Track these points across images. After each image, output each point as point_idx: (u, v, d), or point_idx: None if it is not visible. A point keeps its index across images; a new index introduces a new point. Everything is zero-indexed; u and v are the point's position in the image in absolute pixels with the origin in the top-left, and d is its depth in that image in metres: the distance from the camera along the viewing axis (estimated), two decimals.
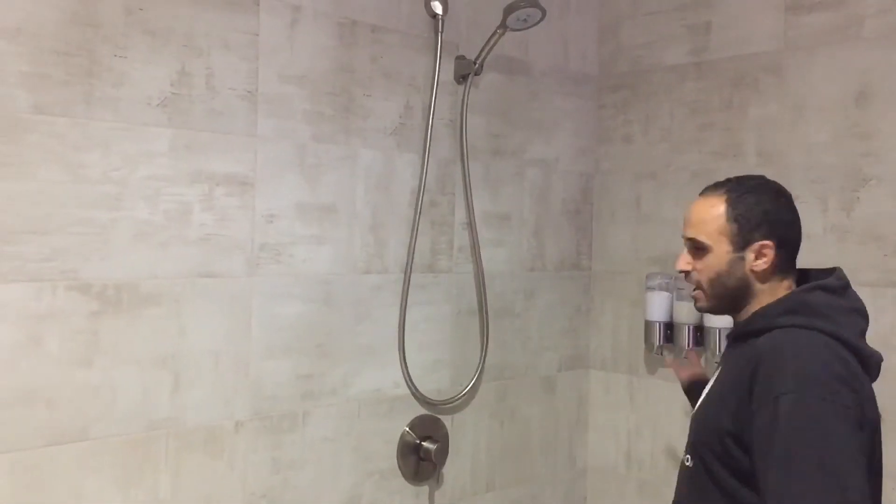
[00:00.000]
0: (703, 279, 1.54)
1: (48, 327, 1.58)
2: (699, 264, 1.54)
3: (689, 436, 1.56)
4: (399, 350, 2.13)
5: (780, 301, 1.49)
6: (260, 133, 1.87)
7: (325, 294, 1.99)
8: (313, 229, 1.97)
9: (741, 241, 1.51)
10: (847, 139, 2.11)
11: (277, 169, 1.90)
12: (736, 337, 1.56)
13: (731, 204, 1.52)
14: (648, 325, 2.42)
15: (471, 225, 2.28)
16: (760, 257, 1.51)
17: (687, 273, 1.57)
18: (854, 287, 1.52)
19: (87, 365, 1.62)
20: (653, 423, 2.48)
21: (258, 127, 1.86)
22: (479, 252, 2.30)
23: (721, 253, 1.52)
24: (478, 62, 2.24)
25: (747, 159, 2.29)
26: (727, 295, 1.54)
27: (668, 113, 2.48)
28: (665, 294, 2.40)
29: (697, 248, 1.54)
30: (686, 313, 2.34)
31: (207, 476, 1.79)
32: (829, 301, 1.47)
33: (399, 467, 2.13)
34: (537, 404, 2.49)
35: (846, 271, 1.57)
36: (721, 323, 2.26)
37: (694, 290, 1.57)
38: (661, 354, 2.43)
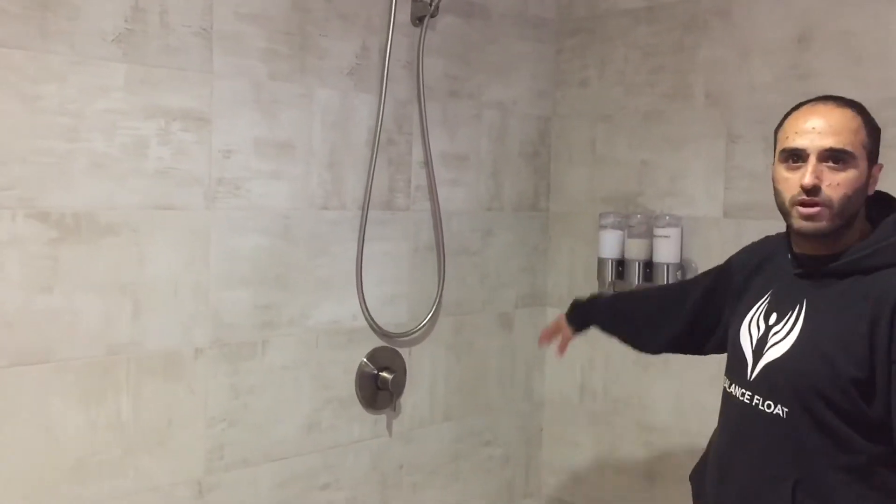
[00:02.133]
0: (837, 196, 1.38)
1: (8, 253, 1.64)
2: (834, 179, 1.38)
3: (772, 382, 1.44)
4: (357, 284, 2.21)
5: None
6: (216, 70, 1.92)
7: (283, 228, 2.06)
8: (271, 165, 2.03)
9: (873, 159, 1.43)
10: (789, 80, 2.18)
11: (234, 105, 1.95)
12: (836, 271, 1.42)
13: (864, 117, 1.42)
14: (601, 262, 2.50)
15: (428, 164, 2.35)
16: (874, 181, 1.45)
17: (816, 189, 1.38)
18: None
19: (47, 290, 1.69)
20: (605, 357, 2.58)
21: (214, 64, 1.91)
22: (437, 191, 2.37)
23: (862, 168, 1.40)
24: (433, 4, 2.28)
25: (696, 100, 2.36)
26: (850, 216, 1.41)
27: (622, 56, 2.54)
28: (617, 232, 2.48)
29: (836, 161, 1.38)
30: (636, 250, 2.43)
31: (168, 399, 1.88)
32: None
33: (357, 395, 2.22)
34: (495, 339, 2.59)
35: None
36: (669, 259, 2.35)
37: (810, 207, 1.39)
38: (614, 290, 2.52)
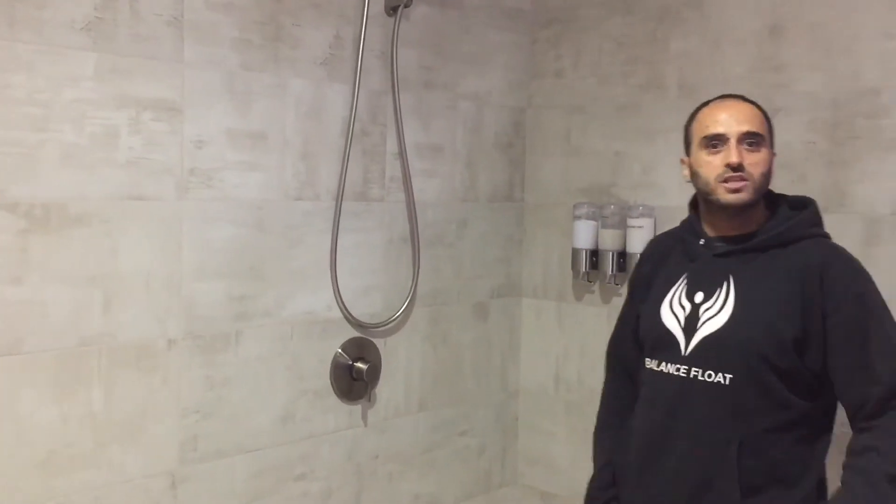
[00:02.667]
0: (756, 172, 1.59)
1: None
2: (752, 158, 1.59)
3: (713, 353, 1.57)
4: (331, 275, 2.20)
5: (807, 214, 1.65)
6: (187, 59, 1.90)
7: (256, 219, 2.05)
8: (244, 156, 2.02)
9: (772, 146, 1.65)
10: (760, 71, 2.20)
11: (206, 95, 1.94)
12: (759, 246, 1.61)
13: (763, 111, 1.66)
14: (575, 252, 2.52)
15: (402, 155, 2.35)
16: (772, 164, 1.66)
17: (740, 165, 1.58)
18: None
19: (16, 282, 1.68)
20: (579, 347, 2.60)
21: (185, 53, 1.90)
22: (411, 182, 2.37)
23: (769, 151, 1.63)
24: None
25: (669, 91, 2.38)
26: (763, 192, 1.62)
27: (596, 48, 2.55)
28: (591, 223, 2.50)
29: (751, 143, 1.59)
30: (610, 241, 2.45)
31: (141, 391, 1.87)
32: None
33: (332, 386, 2.22)
34: (470, 329, 2.59)
35: (813, 198, 1.72)
36: (642, 248, 2.37)
37: (737, 181, 1.58)
38: (587, 280, 2.54)
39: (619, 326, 1.86)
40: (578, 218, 2.51)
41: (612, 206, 2.47)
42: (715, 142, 1.61)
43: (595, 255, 2.49)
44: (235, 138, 2.00)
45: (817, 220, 1.66)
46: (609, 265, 2.44)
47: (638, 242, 2.37)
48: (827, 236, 1.66)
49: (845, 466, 1.51)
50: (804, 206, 1.66)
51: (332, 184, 2.20)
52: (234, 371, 2.02)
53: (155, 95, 1.85)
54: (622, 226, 2.43)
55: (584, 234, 2.50)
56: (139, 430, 1.87)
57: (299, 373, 2.15)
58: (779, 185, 2.14)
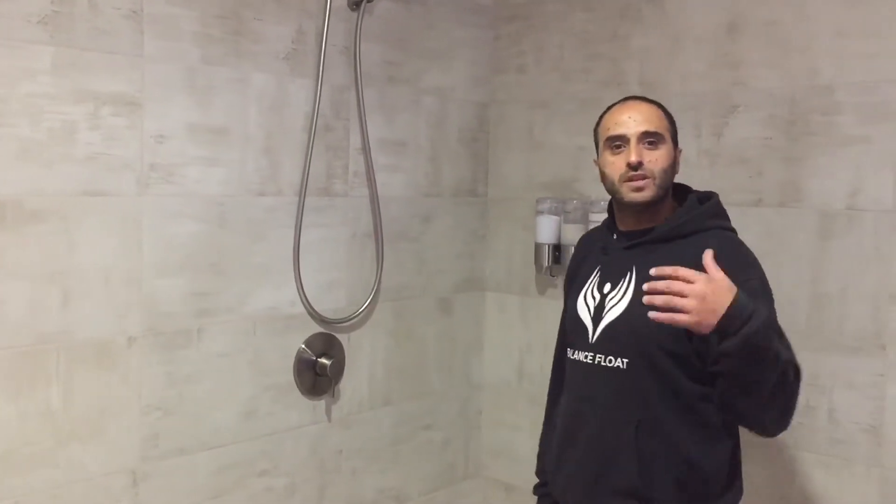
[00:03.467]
0: (657, 168, 1.67)
1: None
2: (653, 155, 1.67)
3: (612, 339, 1.67)
4: (294, 270, 2.20)
5: (707, 206, 1.72)
6: (147, 53, 1.88)
7: (218, 214, 2.04)
8: (205, 151, 2.01)
9: (675, 143, 1.74)
10: (719, 68, 2.23)
11: (166, 90, 1.92)
12: (659, 237, 1.69)
13: (664, 110, 1.75)
14: (538, 247, 2.54)
15: (366, 150, 2.34)
16: (678, 161, 1.76)
17: (640, 164, 1.66)
18: (724, 206, 1.78)
19: None
20: (542, 340, 2.62)
21: (145, 47, 1.88)
22: (375, 177, 2.37)
23: (670, 147, 1.71)
24: None
25: (630, 88, 2.40)
26: (666, 188, 1.70)
27: (558, 44, 2.57)
28: (554, 217, 2.52)
29: (651, 142, 1.68)
30: (572, 235, 2.47)
31: (100, 389, 1.85)
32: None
33: (295, 382, 2.22)
34: (434, 324, 2.60)
35: (717, 192, 1.79)
36: None
37: (639, 180, 1.66)
38: (550, 275, 2.57)
39: (559, 332, 1.97)
40: (541, 213, 2.53)
41: (575, 201, 2.49)
42: (617, 143, 1.70)
43: (558, 249, 2.51)
44: (196, 133, 1.98)
45: (718, 213, 1.74)
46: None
47: None
48: (727, 229, 1.73)
49: None
50: (708, 200, 1.74)
51: (294, 179, 2.19)
52: (195, 368, 2.01)
53: (114, 90, 1.83)
54: (584, 220, 2.45)
55: (546, 229, 2.52)
56: (99, 428, 1.85)
57: (262, 369, 2.15)
58: (737, 181, 2.19)
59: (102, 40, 1.81)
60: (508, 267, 2.71)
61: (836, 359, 2.03)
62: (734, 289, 1.46)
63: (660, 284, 1.47)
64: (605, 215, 2.37)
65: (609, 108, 1.78)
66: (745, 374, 1.49)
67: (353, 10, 2.30)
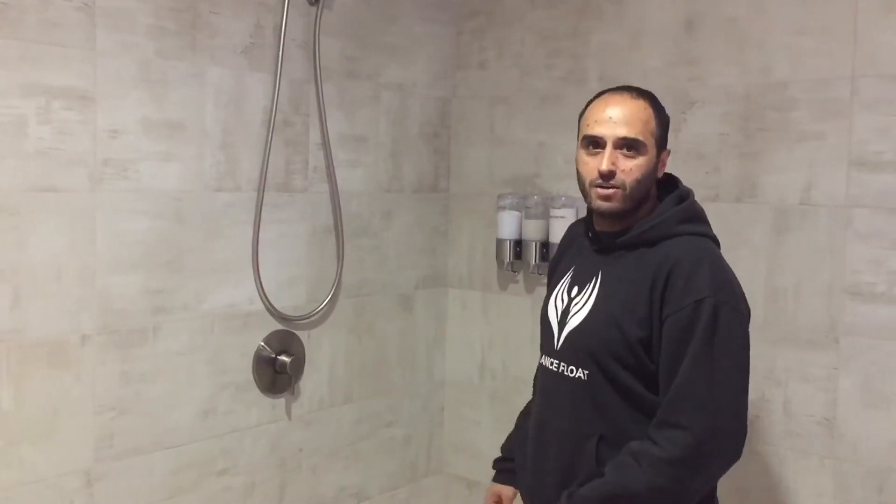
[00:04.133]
0: (630, 180, 1.55)
1: None
2: (628, 165, 1.55)
3: (573, 349, 1.60)
4: (253, 267, 2.18)
5: (676, 211, 1.59)
6: (99, 47, 1.85)
7: (175, 210, 2.01)
8: (160, 146, 1.98)
9: (661, 146, 1.61)
10: (677, 65, 2.25)
11: (120, 84, 1.89)
12: (625, 244, 1.60)
13: (655, 108, 1.60)
14: (500, 243, 2.54)
15: (325, 145, 2.33)
16: (663, 165, 1.64)
17: (611, 174, 1.55)
18: (699, 208, 1.69)
19: None
20: (504, 336, 2.62)
21: (97, 40, 1.84)
22: (335, 172, 2.35)
23: (651, 156, 1.58)
24: None
25: (590, 84, 2.41)
26: (641, 198, 1.59)
27: (519, 40, 2.57)
28: (515, 213, 2.52)
29: (629, 149, 1.55)
30: (534, 231, 2.48)
31: (53, 388, 1.81)
32: (702, 209, 1.66)
33: (254, 380, 2.20)
34: (396, 320, 2.59)
35: (692, 191, 1.72)
36: None
37: (606, 189, 1.56)
38: (512, 270, 2.57)
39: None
40: (503, 208, 2.53)
41: (536, 197, 2.49)
42: (594, 143, 1.59)
43: (519, 245, 2.52)
44: (151, 128, 1.95)
45: (690, 217, 1.61)
46: (533, 255, 2.47)
47: (560, 233, 2.37)
48: (699, 233, 1.60)
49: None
50: (682, 202, 1.64)
51: (253, 174, 2.17)
52: (152, 366, 1.98)
53: (65, 84, 1.79)
54: (545, 216, 2.46)
55: (508, 225, 2.52)
56: (52, 429, 1.81)
57: (220, 367, 2.12)
58: (694, 177, 2.21)
59: (53, 33, 1.77)
60: (470, 263, 2.71)
61: (791, 352, 2.06)
62: None
63: None
64: (567, 210, 2.41)
65: (598, 95, 1.66)
66: None
67: (312, 4, 2.27)
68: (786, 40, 2.07)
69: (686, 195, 1.65)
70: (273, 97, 2.17)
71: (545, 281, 2.37)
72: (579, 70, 2.44)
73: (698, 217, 1.64)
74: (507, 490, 1.88)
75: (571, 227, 1.89)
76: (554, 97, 2.50)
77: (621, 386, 1.55)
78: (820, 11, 2.02)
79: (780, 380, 2.09)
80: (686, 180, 2.18)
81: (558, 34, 2.48)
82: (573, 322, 1.62)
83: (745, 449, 1.57)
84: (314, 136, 2.32)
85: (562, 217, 2.40)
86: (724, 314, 1.49)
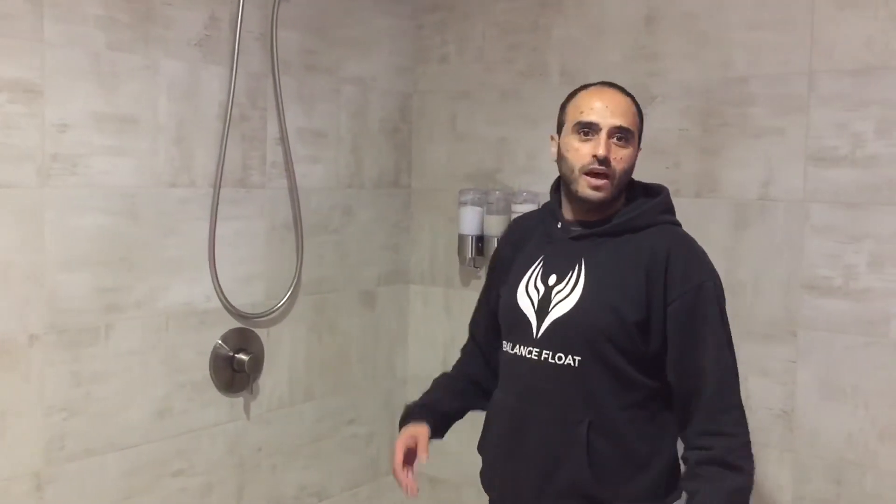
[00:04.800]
0: (620, 168, 1.59)
1: None
2: (620, 154, 1.58)
3: (563, 336, 1.59)
4: (210, 264, 2.13)
5: (658, 201, 1.66)
6: (47, 38, 1.80)
7: (128, 207, 1.96)
8: (112, 140, 1.93)
9: (640, 141, 1.66)
10: (637, 60, 2.25)
11: (69, 76, 1.84)
12: (611, 231, 1.63)
13: (637, 106, 1.65)
14: (462, 238, 2.52)
15: (284, 140, 2.29)
16: (636, 159, 1.67)
17: (607, 159, 1.56)
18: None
19: None
20: (466, 332, 2.60)
21: (45, 32, 1.79)
22: (293, 168, 2.31)
23: (636, 147, 1.64)
24: None
25: (551, 78, 2.40)
26: (622, 189, 1.63)
27: (480, 34, 2.55)
28: (477, 209, 2.50)
29: (621, 138, 1.58)
30: (496, 227, 2.46)
31: (0, 390, 1.76)
32: None
33: (212, 379, 2.16)
34: (357, 317, 2.57)
35: (666, 186, 1.75)
36: None
37: (598, 178, 1.58)
38: (474, 266, 2.55)
39: (477, 308, 1.90)
40: (464, 204, 2.52)
41: (498, 192, 2.48)
42: (587, 129, 1.59)
43: (481, 241, 2.50)
44: (102, 122, 1.90)
45: (668, 208, 1.68)
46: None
47: None
48: (676, 224, 1.68)
49: (688, 475, 1.55)
50: (657, 194, 1.69)
51: (209, 170, 2.12)
52: (104, 366, 1.93)
53: (11, 76, 1.74)
54: (507, 211, 2.45)
55: (469, 221, 2.51)
56: None
57: (176, 366, 2.08)
58: (654, 171, 2.20)
59: None
60: (432, 259, 2.69)
61: (750, 346, 2.07)
62: None
63: None
64: (528, 206, 2.40)
65: (584, 87, 1.66)
66: None
67: None
68: (744, 35, 2.07)
69: (659, 189, 1.71)
70: (229, 91, 2.13)
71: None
72: (540, 64, 2.43)
73: (673, 209, 1.71)
74: (422, 428, 1.78)
75: (520, 220, 1.89)
76: (515, 92, 2.49)
77: (615, 370, 1.56)
78: (777, 6, 2.02)
79: (739, 374, 2.09)
80: (647, 175, 2.18)
81: (519, 28, 2.47)
82: (559, 310, 1.60)
83: None
84: (272, 130, 2.28)
85: (523, 212, 2.39)
86: (721, 293, 1.59)
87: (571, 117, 1.63)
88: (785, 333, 2.03)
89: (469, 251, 2.51)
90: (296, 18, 2.31)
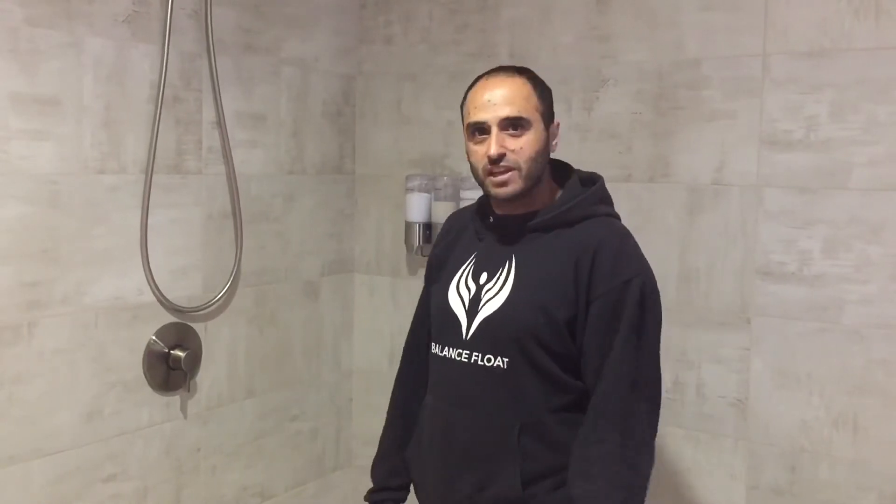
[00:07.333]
0: (522, 159, 1.51)
1: None
2: (516, 144, 1.51)
3: (491, 337, 1.53)
4: (142, 255, 2.01)
5: (591, 192, 1.58)
6: None
7: (50, 195, 1.83)
8: (32, 123, 1.79)
9: (548, 119, 1.57)
10: (588, 41, 2.19)
11: None
12: (541, 226, 1.55)
13: (534, 82, 1.56)
14: (409, 226, 2.44)
15: (221, 124, 2.17)
16: (554, 137, 1.60)
17: (501, 157, 1.50)
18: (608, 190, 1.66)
19: None
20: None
21: None
22: (231, 153, 2.20)
23: (539, 130, 1.54)
24: None
25: (500, 60, 2.32)
26: (537, 176, 1.55)
27: (427, 14, 2.46)
28: (424, 195, 2.42)
29: (515, 128, 1.51)
30: (444, 213, 2.37)
31: None
32: None
33: (145, 377, 2.04)
34: (300, 309, 2.46)
35: (587, 167, 1.70)
36: None
37: (501, 174, 1.51)
38: (422, 255, 2.47)
39: (416, 310, 1.82)
40: (411, 190, 2.43)
41: (445, 178, 2.40)
42: (479, 130, 1.54)
43: (429, 228, 2.42)
44: (21, 104, 1.76)
45: (602, 199, 1.61)
46: None
47: None
48: (612, 215, 1.62)
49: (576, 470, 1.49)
50: (592, 183, 1.62)
51: (140, 155, 2.00)
52: (26, 367, 1.80)
53: None
54: (455, 198, 2.37)
55: (417, 207, 2.42)
56: None
57: (106, 365, 1.95)
58: (607, 156, 2.16)
59: None
60: (378, 247, 2.60)
61: (704, 333, 2.04)
62: None
63: None
64: (477, 193, 2.31)
65: (475, 81, 1.60)
66: None
67: None
68: (697, 17, 2.03)
69: (593, 177, 1.64)
70: (161, 71, 2.00)
71: None
72: (489, 46, 2.35)
73: (609, 199, 1.64)
74: None
75: (454, 217, 1.83)
76: (463, 74, 2.39)
77: (543, 372, 1.51)
78: None
79: (692, 361, 2.06)
80: (599, 160, 2.14)
81: (466, 8, 2.39)
82: (488, 309, 1.54)
83: (660, 431, 1.55)
84: (208, 113, 2.16)
85: (472, 199, 2.30)
86: (650, 292, 1.52)
87: (465, 120, 1.59)
88: (739, 320, 2.00)
89: (416, 239, 2.42)
90: None
